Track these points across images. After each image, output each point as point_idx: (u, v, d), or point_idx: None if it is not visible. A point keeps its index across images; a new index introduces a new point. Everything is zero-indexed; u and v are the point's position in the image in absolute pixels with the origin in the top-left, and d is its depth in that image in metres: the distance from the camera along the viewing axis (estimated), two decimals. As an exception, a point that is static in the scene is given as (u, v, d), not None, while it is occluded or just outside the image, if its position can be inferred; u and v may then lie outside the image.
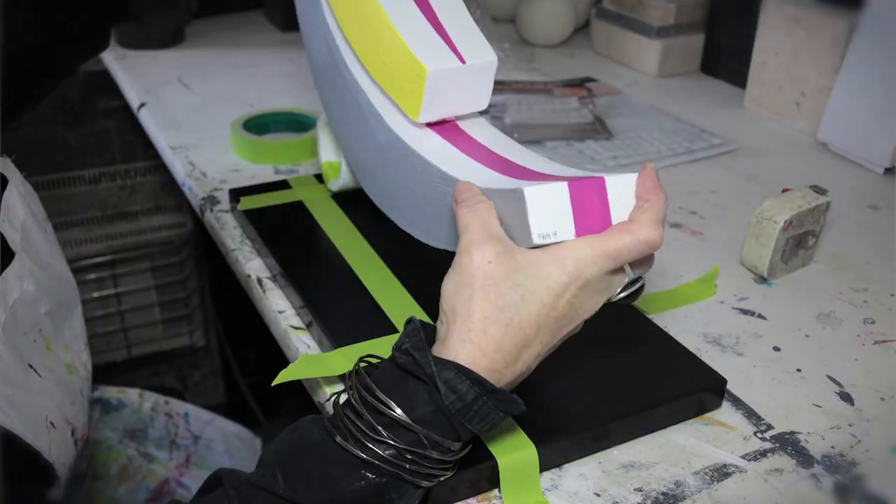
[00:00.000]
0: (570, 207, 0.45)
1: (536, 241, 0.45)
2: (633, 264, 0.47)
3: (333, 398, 0.48)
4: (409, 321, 0.47)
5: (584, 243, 0.45)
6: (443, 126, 0.60)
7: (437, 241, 0.60)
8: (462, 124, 0.60)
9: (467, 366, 0.43)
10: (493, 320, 0.44)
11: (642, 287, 0.48)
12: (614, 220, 0.46)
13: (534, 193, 0.45)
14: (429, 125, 0.59)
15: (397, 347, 0.46)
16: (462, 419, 0.44)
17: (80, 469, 0.62)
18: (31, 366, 0.55)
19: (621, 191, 0.46)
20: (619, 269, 0.46)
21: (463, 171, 0.54)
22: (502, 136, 0.59)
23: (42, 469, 0.53)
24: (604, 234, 0.45)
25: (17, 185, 0.63)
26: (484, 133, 0.60)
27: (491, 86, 0.59)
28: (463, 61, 0.56)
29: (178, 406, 0.91)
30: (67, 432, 0.56)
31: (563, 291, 0.45)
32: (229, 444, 0.93)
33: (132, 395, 0.89)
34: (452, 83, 0.57)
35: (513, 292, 0.44)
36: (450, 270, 0.47)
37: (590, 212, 0.46)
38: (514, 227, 0.47)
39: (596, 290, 0.46)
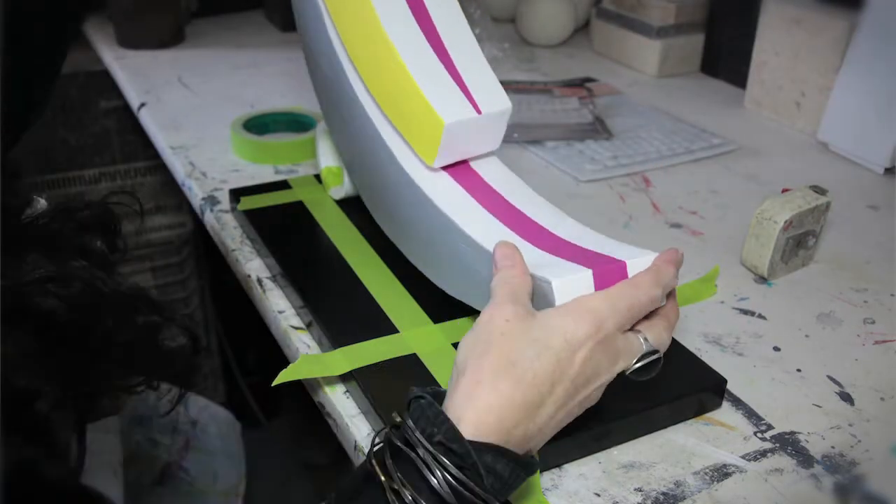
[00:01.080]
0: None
1: None
2: (648, 333, 0.48)
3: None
4: (416, 397, 0.44)
5: (599, 297, 0.46)
6: (455, 168, 0.60)
7: (450, 288, 0.60)
8: (474, 164, 0.61)
9: (474, 424, 0.42)
10: (504, 375, 0.43)
11: (660, 361, 0.48)
12: None
13: (561, 286, 0.47)
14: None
15: (428, 437, 0.42)
16: (499, 495, 0.42)
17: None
18: None
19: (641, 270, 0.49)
20: (634, 334, 0.47)
21: (483, 231, 0.54)
22: (513, 178, 0.60)
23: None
24: (614, 288, 0.47)
25: None
26: (495, 174, 0.60)
27: (504, 129, 0.60)
28: (479, 111, 0.56)
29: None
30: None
31: (580, 346, 0.44)
32: (220, 429, 0.96)
33: None
34: (468, 132, 0.57)
35: (529, 348, 0.44)
36: (469, 330, 0.47)
37: None
38: (540, 308, 0.48)
39: (613, 350, 0.46)
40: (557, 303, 0.46)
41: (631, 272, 0.48)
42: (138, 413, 0.89)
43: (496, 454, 0.42)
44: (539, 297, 0.48)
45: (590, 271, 0.47)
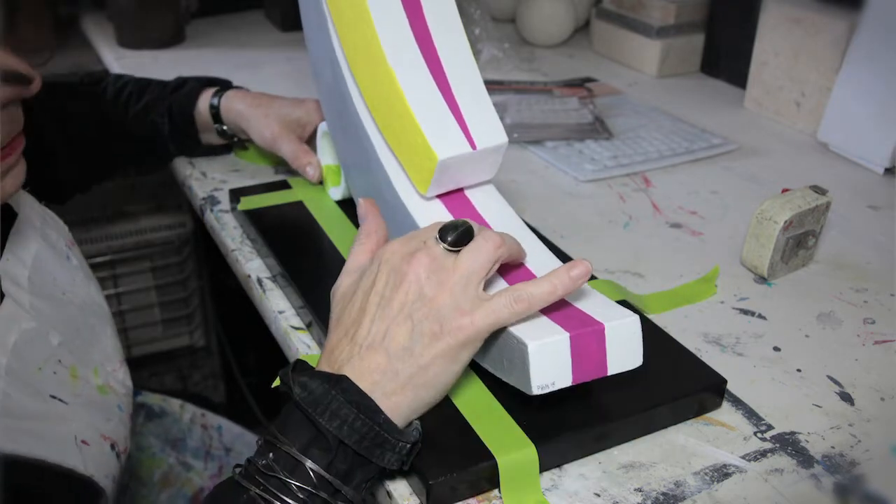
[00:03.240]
0: (569, 358, 0.48)
1: (535, 392, 0.47)
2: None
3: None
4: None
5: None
6: (450, 196, 0.60)
7: None
8: (469, 192, 0.61)
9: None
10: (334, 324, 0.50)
11: (470, 228, 0.49)
12: (609, 365, 0.49)
13: (537, 350, 0.47)
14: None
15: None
16: (314, 413, 0.44)
17: (124, 480, 0.64)
18: (53, 396, 0.55)
19: (620, 336, 0.49)
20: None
21: None
22: (506, 210, 0.60)
23: (84, 483, 0.53)
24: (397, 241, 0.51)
25: (32, 217, 0.62)
26: (489, 205, 0.60)
27: (500, 162, 0.60)
28: (474, 147, 0.56)
29: (212, 419, 0.93)
30: (106, 446, 0.57)
31: (371, 272, 0.50)
32: None
33: (174, 404, 0.91)
34: (462, 165, 0.57)
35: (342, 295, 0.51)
36: None
37: (588, 359, 0.48)
38: (516, 368, 0.48)
39: (406, 253, 0.49)
40: (532, 366, 0.47)
41: (609, 336, 0.48)
42: (172, 435, 0.89)
43: (310, 374, 0.45)
44: (516, 356, 0.48)
45: (567, 335, 0.47)
